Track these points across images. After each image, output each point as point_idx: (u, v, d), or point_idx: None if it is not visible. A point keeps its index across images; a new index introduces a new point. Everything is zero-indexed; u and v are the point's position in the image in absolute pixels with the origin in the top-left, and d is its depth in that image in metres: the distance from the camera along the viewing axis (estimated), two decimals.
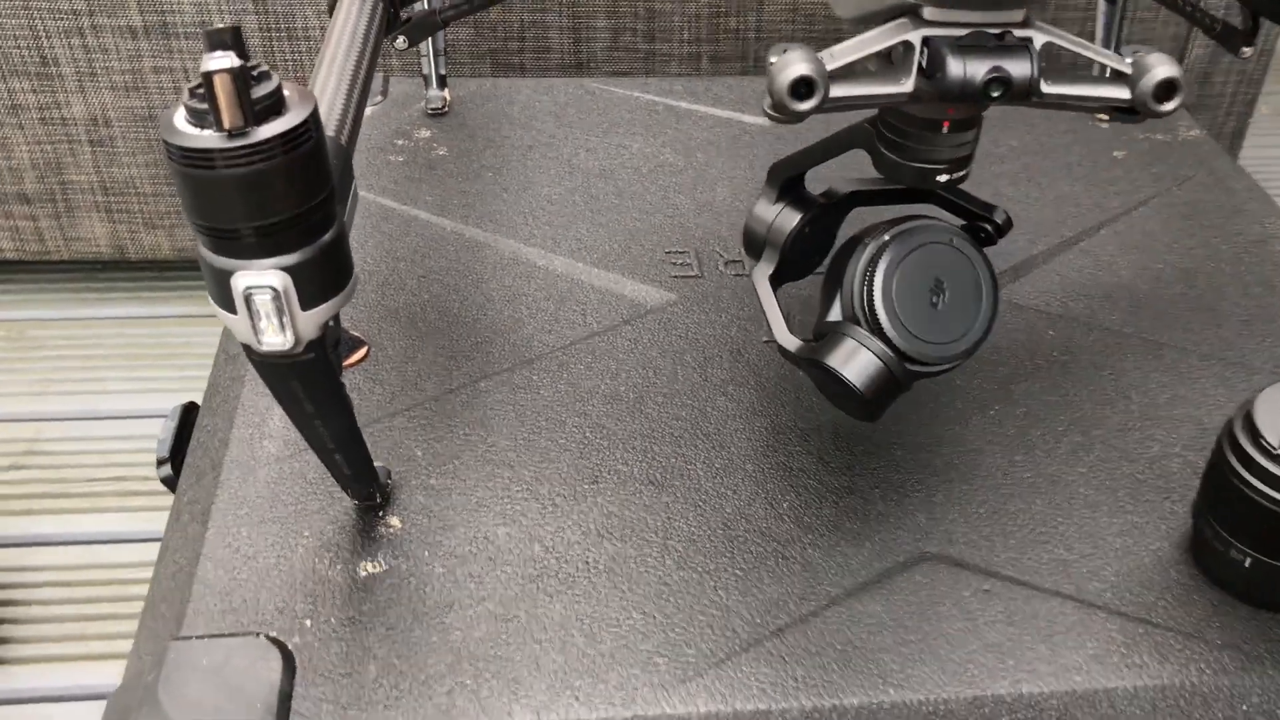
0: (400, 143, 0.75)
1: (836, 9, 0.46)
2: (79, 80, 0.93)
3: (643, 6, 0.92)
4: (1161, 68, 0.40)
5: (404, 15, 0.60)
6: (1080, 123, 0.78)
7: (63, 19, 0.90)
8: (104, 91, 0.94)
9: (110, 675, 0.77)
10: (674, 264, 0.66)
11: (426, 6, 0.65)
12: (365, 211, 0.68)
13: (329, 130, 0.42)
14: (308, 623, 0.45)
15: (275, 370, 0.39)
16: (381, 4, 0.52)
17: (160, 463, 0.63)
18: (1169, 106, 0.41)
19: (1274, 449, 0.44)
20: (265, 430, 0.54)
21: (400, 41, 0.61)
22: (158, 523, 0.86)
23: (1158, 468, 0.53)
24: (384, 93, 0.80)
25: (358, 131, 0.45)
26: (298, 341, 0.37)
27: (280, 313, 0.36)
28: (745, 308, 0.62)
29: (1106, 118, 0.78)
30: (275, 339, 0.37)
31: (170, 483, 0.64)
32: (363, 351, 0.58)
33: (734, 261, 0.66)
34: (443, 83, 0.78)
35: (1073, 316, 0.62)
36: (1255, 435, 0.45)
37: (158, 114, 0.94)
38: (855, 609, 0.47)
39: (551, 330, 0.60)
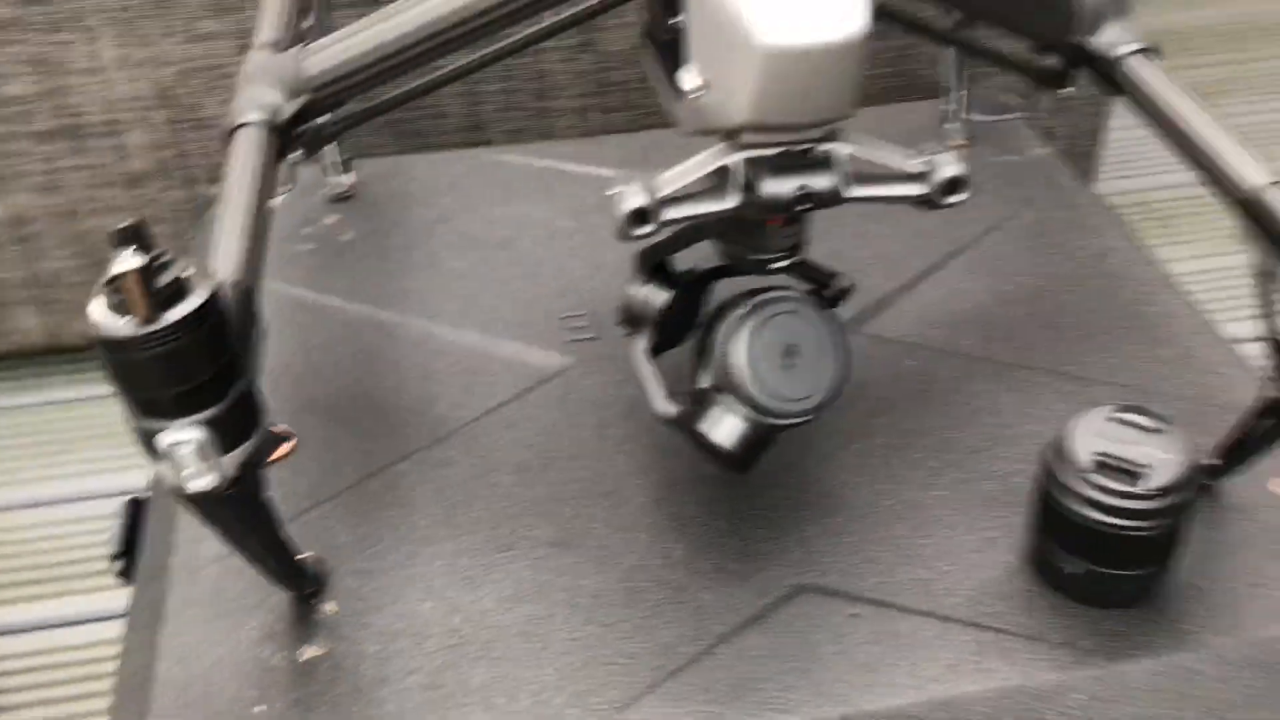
0: (308, 231, 0.80)
1: (679, 125, 0.53)
2: None
3: (533, 69, 0.98)
4: (948, 167, 0.47)
5: (296, 132, 0.65)
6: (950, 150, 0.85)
7: None
8: (21, 194, 0.98)
9: None
10: (571, 328, 0.72)
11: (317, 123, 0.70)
12: (279, 305, 0.73)
13: (232, 277, 0.48)
14: (258, 708, 0.51)
15: (203, 507, 0.44)
16: (272, 136, 0.58)
17: (114, 558, 0.69)
18: (954, 200, 0.48)
19: (1084, 471, 0.51)
20: (203, 532, 0.59)
21: (297, 157, 0.67)
22: (120, 601, 0.91)
23: (1007, 484, 0.60)
24: (291, 181, 0.85)
25: (261, 269, 0.51)
26: (221, 483, 0.43)
27: (202, 460, 0.42)
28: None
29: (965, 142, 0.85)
30: (199, 483, 0.42)
31: (126, 574, 0.69)
32: (289, 445, 0.63)
33: None
34: (346, 166, 0.83)
35: (929, 345, 0.69)
36: (1068, 460, 0.52)
37: (78, 209, 0.98)
38: (741, 644, 0.53)
39: (463, 404, 0.66)
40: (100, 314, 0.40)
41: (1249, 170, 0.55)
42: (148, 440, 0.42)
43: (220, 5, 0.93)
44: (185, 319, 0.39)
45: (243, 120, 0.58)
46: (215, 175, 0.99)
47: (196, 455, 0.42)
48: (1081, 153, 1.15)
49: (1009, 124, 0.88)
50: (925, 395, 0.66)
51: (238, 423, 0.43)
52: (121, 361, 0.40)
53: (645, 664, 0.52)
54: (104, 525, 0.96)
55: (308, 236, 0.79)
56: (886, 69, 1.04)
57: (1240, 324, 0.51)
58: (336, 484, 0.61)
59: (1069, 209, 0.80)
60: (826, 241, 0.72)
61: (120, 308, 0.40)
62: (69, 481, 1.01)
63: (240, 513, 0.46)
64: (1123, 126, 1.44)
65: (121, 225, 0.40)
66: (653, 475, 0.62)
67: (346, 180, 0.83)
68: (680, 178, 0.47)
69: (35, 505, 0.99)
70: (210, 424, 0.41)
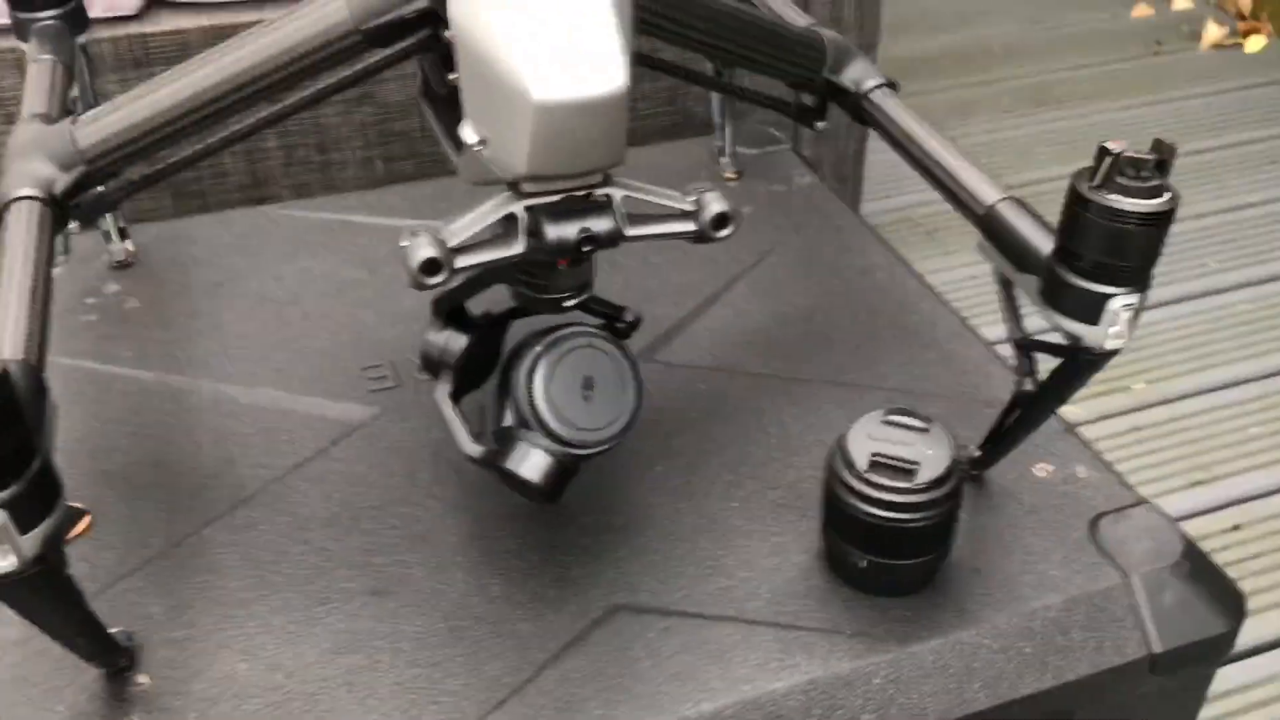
0: (91, 301, 0.78)
1: (460, 176, 0.55)
2: None
3: (310, 123, 0.98)
4: (715, 204, 0.51)
5: (72, 203, 0.64)
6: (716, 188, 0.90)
7: None
8: None
9: None
10: (371, 378, 0.72)
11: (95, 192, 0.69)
12: (67, 379, 0.71)
13: (18, 355, 0.47)
14: None
15: (4, 588, 0.43)
16: (48, 209, 0.57)
17: None
18: (724, 233, 0.52)
19: (863, 472, 0.56)
20: (4, 614, 0.57)
21: (74, 228, 0.65)
22: None
23: (796, 490, 0.65)
24: (66, 250, 0.83)
25: (47, 344, 0.50)
26: (22, 562, 0.42)
27: (2, 541, 0.41)
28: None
29: (735, 176, 0.90)
30: (2, 564, 0.42)
31: None
32: (85, 521, 0.62)
33: None
34: (124, 234, 0.81)
35: (720, 367, 0.73)
36: (849, 463, 0.56)
37: None
38: (563, 668, 0.55)
39: (264, 464, 0.66)
40: None
41: (983, 189, 0.61)
42: None
43: None
44: None
45: (17, 194, 0.57)
46: None
47: None
48: (846, 176, 1.23)
49: (776, 155, 0.94)
50: (718, 414, 0.70)
51: (35, 501, 0.42)
52: None
53: (471, 699, 0.54)
54: None
55: (90, 307, 0.77)
56: (662, 107, 1.08)
57: (1000, 326, 0.58)
58: (142, 554, 0.60)
59: (835, 231, 0.86)
60: (615, 274, 0.76)
61: None
62: None
63: (43, 592, 0.45)
64: (883, 149, 1.54)
65: None
66: (465, 515, 0.63)
67: (126, 247, 0.81)
68: (468, 227, 0.49)
69: None
70: (7, 505, 0.41)
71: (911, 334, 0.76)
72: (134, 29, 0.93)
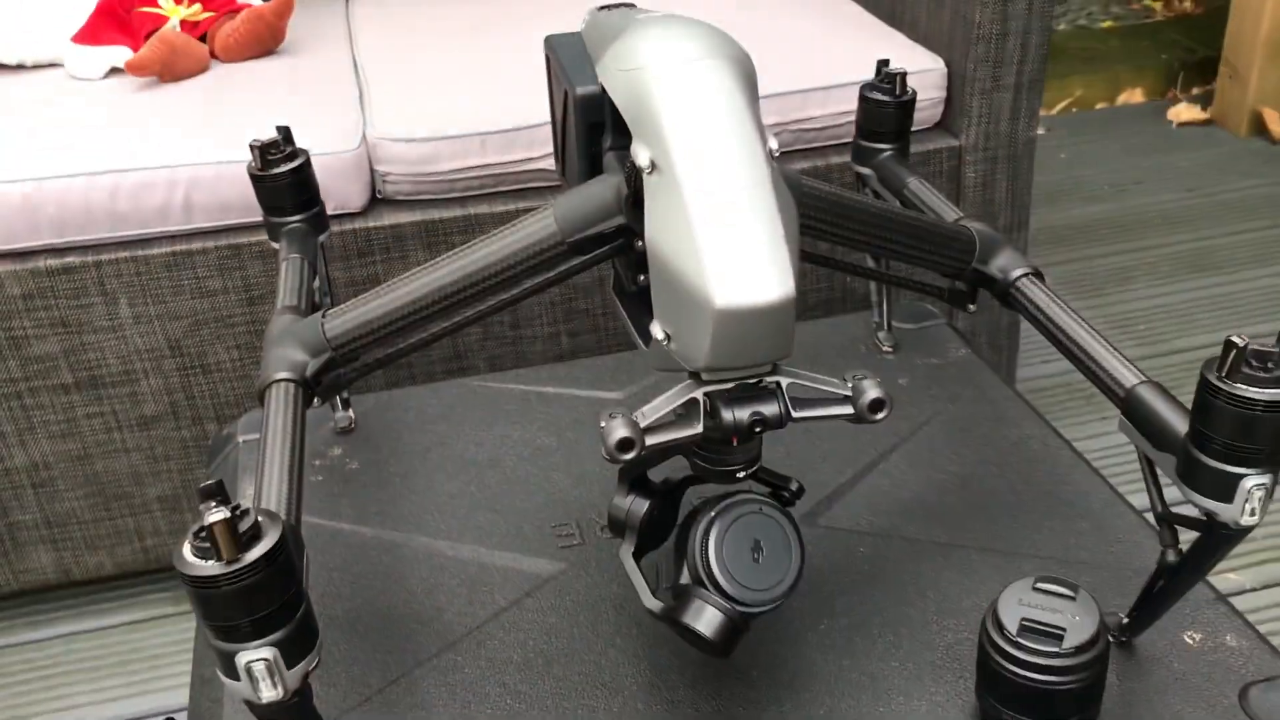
0: (318, 463, 0.89)
1: (650, 362, 0.63)
2: (19, 435, 1.06)
3: None
4: (871, 391, 0.58)
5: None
6: (872, 357, 0.97)
7: (1, 387, 1.04)
8: (42, 441, 1.07)
9: None
10: (560, 535, 0.80)
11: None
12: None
13: (285, 515, 0.57)
14: None
15: (268, 717, 0.52)
16: (300, 389, 0.68)
17: None
18: (879, 416, 0.58)
19: (1014, 636, 0.60)
20: None
21: (315, 403, 0.76)
22: None
23: (952, 653, 0.69)
24: None
25: (302, 506, 0.60)
26: (287, 693, 0.50)
27: (272, 674, 0.50)
28: (621, 567, 0.77)
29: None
30: (271, 694, 0.50)
31: None
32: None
33: (608, 526, 0.81)
34: (346, 404, 0.93)
35: (878, 532, 0.79)
36: (1000, 627, 0.61)
37: (91, 451, 1.07)
38: None
39: (467, 612, 0.74)
40: (189, 557, 0.48)
41: (1123, 372, 0.66)
42: (227, 661, 0.50)
43: (224, 265, 1.04)
44: (263, 555, 0.48)
45: (276, 377, 0.67)
46: (222, 415, 1.09)
47: (267, 672, 0.50)
48: (1001, 345, 1.28)
49: (932, 329, 1.00)
50: (877, 577, 0.75)
51: (300, 641, 0.51)
52: (207, 596, 0.48)
53: None
54: None
55: (318, 468, 0.88)
56: (822, 284, 1.16)
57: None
58: (362, 692, 0.68)
59: (989, 403, 0.91)
60: (780, 443, 0.82)
61: (204, 551, 0.48)
62: (83, 710, 1.06)
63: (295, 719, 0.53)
64: None
65: (205, 484, 0.49)
66: (644, 664, 0.70)
67: (349, 415, 0.92)
68: (656, 410, 0.57)
69: None
70: (279, 644, 0.50)
71: (1064, 503, 0.80)
72: (359, 224, 1.07)
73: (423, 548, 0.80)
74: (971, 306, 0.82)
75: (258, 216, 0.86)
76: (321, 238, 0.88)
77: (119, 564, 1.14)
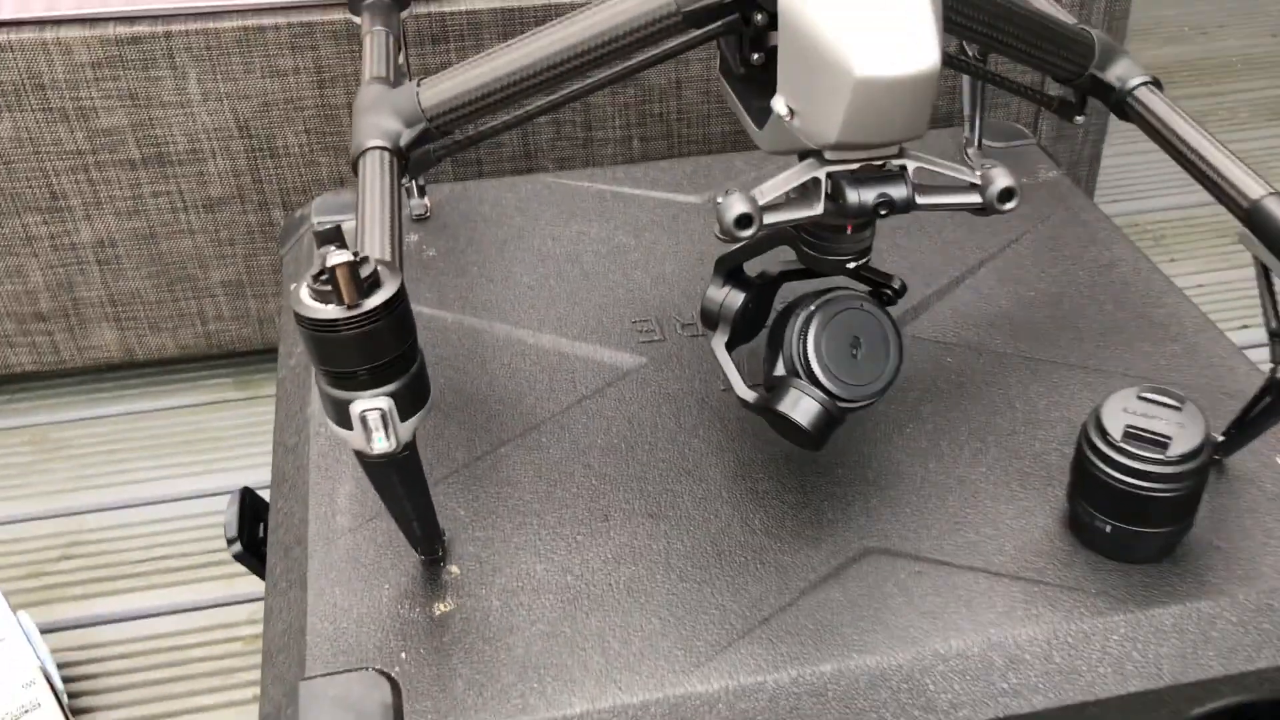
0: None
1: (759, 145, 0.61)
2: (85, 210, 1.05)
3: (578, 102, 1.06)
4: (1001, 180, 0.55)
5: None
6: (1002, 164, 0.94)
7: (69, 159, 1.02)
8: (109, 217, 1.06)
9: None
10: (640, 331, 0.80)
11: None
12: None
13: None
14: (403, 655, 0.58)
15: (380, 468, 0.52)
16: (394, 158, 0.66)
17: (230, 541, 0.76)
18: (1009, 206, 0.56)
19: (1117, 442, 0.59)
20: (335, 508, 0.66)
21: (405, 179, 0.75)
22: (204, 593, 0.98)
23: (1041, 462, 0.68)
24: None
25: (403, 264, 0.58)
26: (399, 445, 0.50)
27: (386, 426, 0.49)
28: (703, 364, 0.76)
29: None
30: (384, 445, 0.50)
31: (241, 559, 0.76)
32: None
33: (688, 325, 0.80)
34: (422, 191, 0.91)
35: (965, 344, 0.77)
36: (1103, 432, 0.60)
37: (156, 231, 1.06)
38: (820, 597, 0.61)
39: (549, 398, 0.74)
40: (308, 300, 0.47)
41: (1249, 184, 0.63)
42: (340, 410, 0.49)
43: (296, 44, 1.01)
44: (384, 303, 0.47)
45: (369, 145, 0.66)
46: (289, 201, 1.07)
47: (381, 422, 0.49)
48: (1080, 178, 1.24)
49: (1023, 149, 0.97)
50: (964, 387, 0.74)
51: (414, 394, 0.50)
52: (325, 340, 0.47)
53: (737, 614, 0.60)
54: (180, 526, 1.03)
55: None
56: None
57: (1232, 333, 0.59)
58: (449, 465, 0.69)
59: (1080, 225, 0.89)
60: None
61: (324, 296, 0.47)
62: (145, 486, 1.08)
63: (405, 474, 0.53)
64: (1114, 154, 1.54)
65: (323, 228, 0.48)
66: (728, 455, 0.69)
67: (425, 203, 0.91)
68: (776, 188, 0.55)
69: (111, 509, 1.06)
70: (394, 395, 0.49)
71: (1157, 326, 0.78)
72: (434, 8, 1.03)
73: (503, 334, 0.79)
74: (1079, 118, 0.79)
75: None
76: (404, 13, 0.85)
77: (181, 346, 1.14)
